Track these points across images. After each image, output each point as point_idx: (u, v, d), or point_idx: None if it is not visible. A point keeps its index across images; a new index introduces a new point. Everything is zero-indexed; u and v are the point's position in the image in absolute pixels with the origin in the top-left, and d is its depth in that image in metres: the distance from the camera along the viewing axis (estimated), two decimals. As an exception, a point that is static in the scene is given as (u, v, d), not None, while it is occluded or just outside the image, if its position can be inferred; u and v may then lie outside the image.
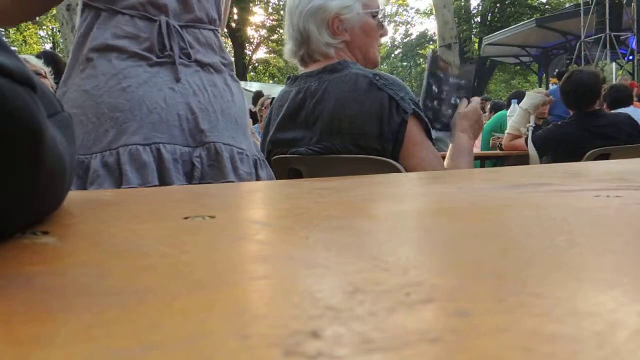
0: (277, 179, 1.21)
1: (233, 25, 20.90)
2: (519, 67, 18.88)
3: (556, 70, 8.07)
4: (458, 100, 1.26)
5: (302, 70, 1.23)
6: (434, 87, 1.24)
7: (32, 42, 18.63)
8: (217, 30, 1.04)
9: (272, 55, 23.54)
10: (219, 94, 0.98)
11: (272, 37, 22.06)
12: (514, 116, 2.92)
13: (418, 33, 24.86)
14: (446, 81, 1.25)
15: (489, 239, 0.23)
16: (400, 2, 25.08)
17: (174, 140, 0.91)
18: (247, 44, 22.30)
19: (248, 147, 1.02)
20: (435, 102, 1.24)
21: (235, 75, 1.07)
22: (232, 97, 1.01)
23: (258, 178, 1.02)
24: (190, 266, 0.19)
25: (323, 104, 1.11)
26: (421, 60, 23.90)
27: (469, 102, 1.26)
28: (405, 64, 24.67)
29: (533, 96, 2.86)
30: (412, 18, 25.74)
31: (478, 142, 3.68)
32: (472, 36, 19.68)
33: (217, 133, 0.96)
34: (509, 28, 14.37)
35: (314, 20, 1.18)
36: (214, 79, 0.99)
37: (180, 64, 0.94)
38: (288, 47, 1.26)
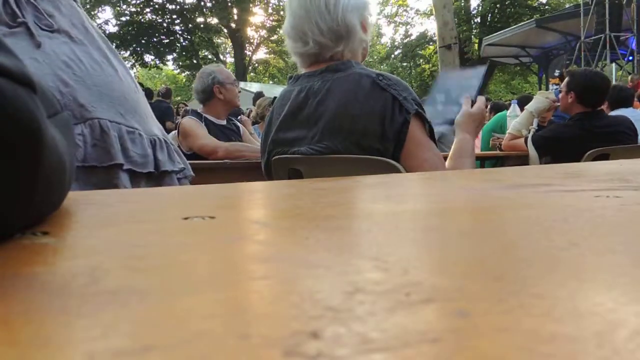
0: (277, 179, 1.20)
1: (233, 25, 20.92)
2: (518, 68, 18.89)
3: (557, 71, 8.07)
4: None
5: (303, 69, 1.23)
6: (437, 96, 1.27)
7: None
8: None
9: (272, 55, 23.55)
10: (98, 67, 0.87)
11: (272, 38, 22.07)
12: (518, 117, 2.92)
13: (418, 34, 24.78)
14: (453, 84, 1.27)
15: (489, 239, 0.23)
16: (400, 2, 25.09)
17: None
18: (247, 45, 22.32)
19: (144, 127, 0.90)
20: (439, 106, 1.25)
21: (115, 50, 0.96)
22: (115, 72, 0.90)
23: (156, 160, 0.91)
24: (190, 266, 0.19)
25: (325, 103, 1.10)
26: (421, 60, 23.90)
27: (473, 101, 1.24)
28: (405, 64, 24.65)
29: (540, 100, 2.86)
30: (412, 19, 25.67)
31: (478, 142, 3.68)
32: (472, 37, 19.68)
33: (101, 109, 0.84)
34: (509, 28, 14.38)
35: (357, 16, 1.16)
36: (90, 52, 0.88)
37: (43, 36, 0.83)
38: (319, 42, 1.15)
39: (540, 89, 11.78)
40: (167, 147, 0.94)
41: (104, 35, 0.95)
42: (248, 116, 3.65)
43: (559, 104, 2.91)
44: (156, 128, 0.95)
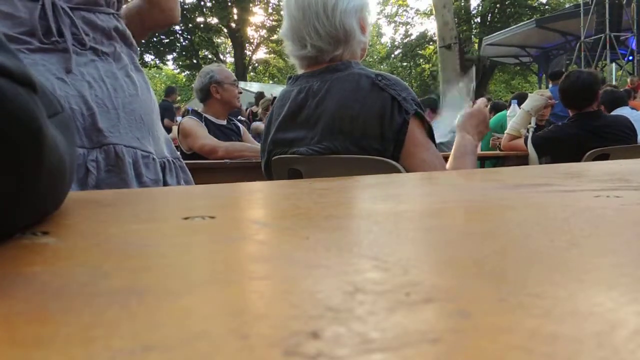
0: (277, 179, 1.20)
1: (233, 25, 20.91)
2: (518, 68, 18.90)
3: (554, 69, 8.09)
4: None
5: (302, 70, 1.23)
6: (448, 114, 1.33)
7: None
8: (116, 13, 0.91)
9: (272, 55, 23.55)
10: (120, 87, 0.86)
11: (272, 38, 22.07)
12: (515, 117, 2.92)
13: (418, 33, 24.81)
14: (457, 97, 1.31)
15: (489, 239, 0.23)
16: (400, 2, 25.09)
17: None
18: (247, 45, 22.32)
19: (156, 149, 0.90)
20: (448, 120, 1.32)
21: (138, 64, 0.93)
22: (136, 91, 0.88)
23: (165, 184, 0.90)
24: (190, 266, 0.19)
25: (325, 103, 1.10)
26: (421, 60, 23.90)
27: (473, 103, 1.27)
28: (405, 64, 24.64)
29: (535, 98, 2.86)
30: (412, 18, 25.69)
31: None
32: (472, 36, 19.69)
33: (118, 133, 0.83)
34: (509, 28, 14.40)
35: (355, 18, 1.14)
36: (113, 70, 0.87)
37: (72, 52, 0.81)
38: (317, 46, 1.14)
39: (540, 89, 11.78)
40: (176, 169, 0.94)
41: (131, 42, 0.94)
42: (249, 116, 3.64)
43: (556, 101, 2.91)
44: (166, 148, 0.95)
